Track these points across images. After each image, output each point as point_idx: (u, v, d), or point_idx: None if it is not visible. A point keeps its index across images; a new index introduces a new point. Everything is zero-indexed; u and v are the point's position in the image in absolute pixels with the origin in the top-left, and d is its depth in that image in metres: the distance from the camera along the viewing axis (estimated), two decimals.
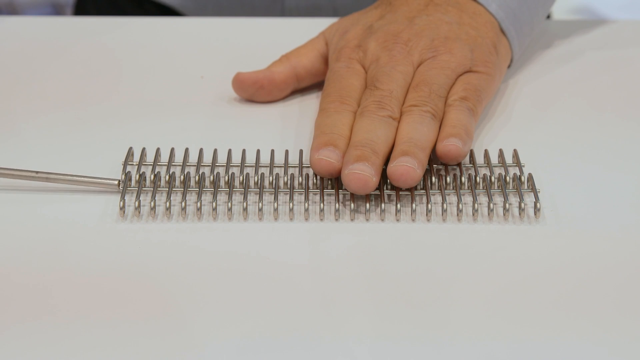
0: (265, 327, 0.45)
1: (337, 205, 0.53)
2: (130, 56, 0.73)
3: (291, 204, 0.52)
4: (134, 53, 0.73)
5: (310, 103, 0.65)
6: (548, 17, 0.90)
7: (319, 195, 0.53)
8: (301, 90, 0.66)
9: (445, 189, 0.54)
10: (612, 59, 0.72)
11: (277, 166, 0.57)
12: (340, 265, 0.49)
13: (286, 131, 0.62)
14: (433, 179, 0.54)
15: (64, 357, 0.43)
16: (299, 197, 0.54)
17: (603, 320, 0.45)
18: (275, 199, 0.53)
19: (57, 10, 1.90)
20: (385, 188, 0.54)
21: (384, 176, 0.54)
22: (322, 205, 0.52)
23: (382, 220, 0.52)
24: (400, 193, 0.53)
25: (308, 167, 0.56)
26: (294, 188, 0.54)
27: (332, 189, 0.54)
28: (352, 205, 0.52)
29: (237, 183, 0.55)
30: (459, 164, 0.56)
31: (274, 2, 0.85)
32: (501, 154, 0.57)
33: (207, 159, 0.57)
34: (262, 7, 0.85)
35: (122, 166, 0.56)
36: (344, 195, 0.54)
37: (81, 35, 0.77)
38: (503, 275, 0.48)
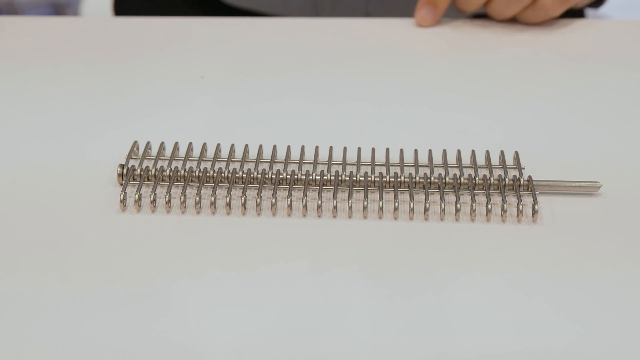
0: (261, 322, 0.45)
1: (334, 202, 0.53)
2: (131, 56, 0.73)
3: (289, 200, 0.53)
4: (135, 53, 0.73)
5: (309, 101, 0.65)
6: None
7: (317, 192, 0.54)
8: (301, 88, 0.67)
9: (445, 188, 0.54)
10: (612, 59, 0.72)
11: (278, 162, 0.57)
12: (336, 262, 0.49)
13: (287, 129, 0.62)
14: (433, 178, 0.55)
15: (60, 340, 0.44)
16: (297, 194, 0.54)
17: (601, 322, 0.45)
18: (274, 194, 0.53)
19: (57, 10, 1.90)
20: (384, 185, 0.54)
21: (380, 168, 0.54)
22: (319, 201, 0.53)
23: (380, 218, 0.52)
24: (398, 192, 0.54)
25: (309, 163, 0.56)
26: (293, 184, 0.54)
27: (331, 186, 0.54)
28: (350, 202, 0.53)
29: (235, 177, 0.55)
30: (459, 165, 0.56)
31: None
32: (502, 155, 0.57)
33: (208, 156, 0.58)
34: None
35: (125, 160, 0.56)
36: (343, 193, 0.54)
37: (82, 35, 0.77)
38: (499, 274, 0.48)
